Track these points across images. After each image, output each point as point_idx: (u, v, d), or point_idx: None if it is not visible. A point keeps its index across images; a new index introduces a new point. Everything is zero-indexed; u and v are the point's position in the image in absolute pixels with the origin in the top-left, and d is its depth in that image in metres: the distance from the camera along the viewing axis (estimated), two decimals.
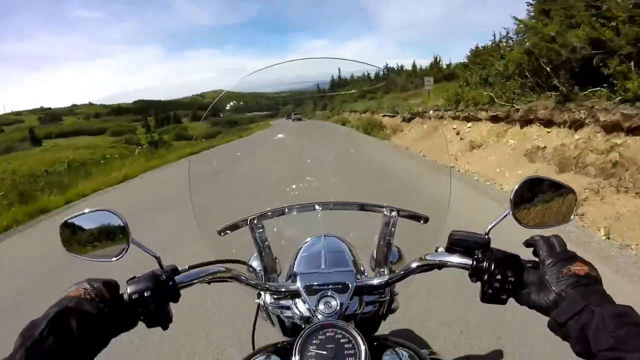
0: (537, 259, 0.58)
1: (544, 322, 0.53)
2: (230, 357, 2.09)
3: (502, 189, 5.46)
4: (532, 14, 8.03)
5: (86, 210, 0.64)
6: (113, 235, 0.64)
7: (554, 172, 5.10)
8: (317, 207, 0.93)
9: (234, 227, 0.88)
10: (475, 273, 0.60)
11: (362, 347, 0.56)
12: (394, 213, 0.83)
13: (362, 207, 0.92)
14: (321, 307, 0.65)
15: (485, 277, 0.58)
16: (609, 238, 3.44)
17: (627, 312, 0.46)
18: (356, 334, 0.57)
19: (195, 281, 0.64)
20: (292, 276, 0.80)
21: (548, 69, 6.12)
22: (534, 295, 0.55)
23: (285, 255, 0.90)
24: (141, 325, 0.59)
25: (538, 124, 6.28)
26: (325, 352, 0.56)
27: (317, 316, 0.65)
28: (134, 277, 0.59)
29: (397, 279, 0.69)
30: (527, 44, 7.09)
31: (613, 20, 5.08)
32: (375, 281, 0.71)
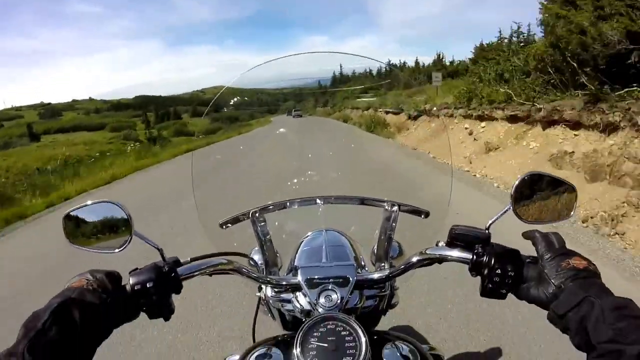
0: (536, 255, 0.58)
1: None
2: (230, 351, 2.10)
3: None
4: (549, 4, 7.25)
5: (89, 202, 0.64)
6: (116, 227, 0.64)
7: (584, 180, 4.43)
8: (318, 201, 0.94)
9: (236, 220, 0.88)
10: (475, 267, 0.61)
11: (363, 340, 0.56)
12: (395, 208, 0.83)
13: (363, 201, 0.92)
14: (322, 300, 0.66)
15: (485, 271, 0.59)
16: None
17: (627, 305, 0.46)
18: (357, 327, 0.58)
19: (197, 273, 0.65)
20: (293, 270, 0.81)
21: (575, 64, 5.42)
22: (533, 289, 0.55)
23: (287, 249, 0.91)
24: (142, 316, 0.59)
25: (563, 126, 5.60)
26: (326, 345, 0.56)
27: (317, 309, 0.65)
28: (137, 269, 0.59)
29: (398, 273, 0.69)
30: (551, 36, 6.12)
31: None
32: (376, 275, 0.71)
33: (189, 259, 0.66)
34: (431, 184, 5.15)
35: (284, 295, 0.75)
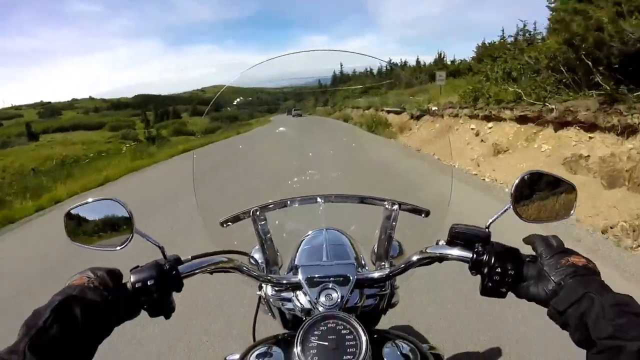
0: (536, 254, 0.59)
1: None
2: (230, 349, 2.10)
3: None
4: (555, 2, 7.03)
5: (90, 200, 0.64)
6: (117, 225, 0.64)
7: (601, 186, 4.21)
8: (318, 199, 0.94)
9: (236, 218, 0.88)
10: (475, 266, 0.61)
11: (363, 338, 0.56)
12: (395, 206, 0.83)
13: (364, 200, 0.92)
14: (322, 299, 0.66)
15: (485, 270, 0.59)
16: None
17: (627, 301, 0.46)
18: (357, 325, 0.58)
19: (198, 271, 0.64)
20: (293, 268, 0.81)
21: (589, 62, 5.16)
22: (533, 287, 0.56)
23: (287, 248, 0.91)
24: (143, 314, 0.59)
25: (577, 127, 5.29)
26: (326, 343, 0.56)
27: (318, 308, 0.65)
28: (138, 266, 0.59)
29: (398, 271, 0.69)
30: (565, 33, 5.83)
31: None
32: (376, 274, 0.72)
33: (189, 257, 0.66)
34: (441, 186, 4.89)
35: (285, 294, 0.75)
